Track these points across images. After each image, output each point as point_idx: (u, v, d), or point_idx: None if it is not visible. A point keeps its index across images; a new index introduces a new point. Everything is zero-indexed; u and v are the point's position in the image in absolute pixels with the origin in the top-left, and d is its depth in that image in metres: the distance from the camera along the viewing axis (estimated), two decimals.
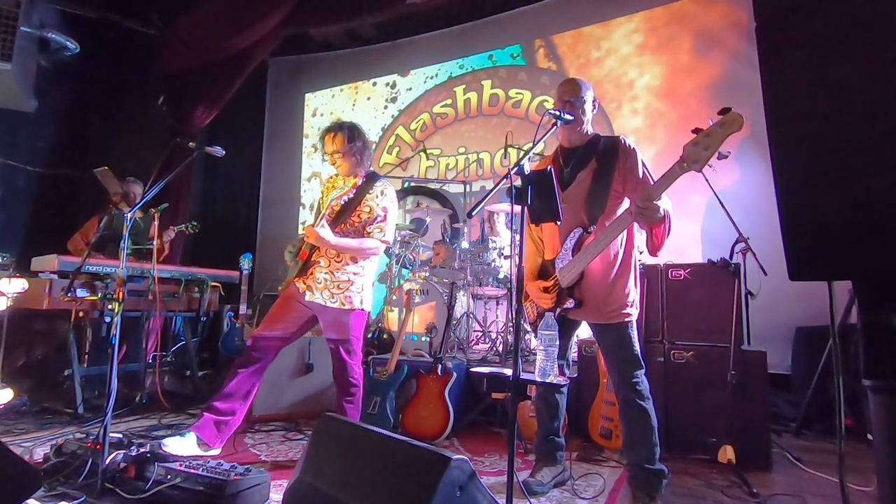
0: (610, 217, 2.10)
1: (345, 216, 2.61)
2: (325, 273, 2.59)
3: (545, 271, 2.25)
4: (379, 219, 2.62)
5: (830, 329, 1.21)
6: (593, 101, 2.23)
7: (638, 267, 2.22)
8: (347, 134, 2.61)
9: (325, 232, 2.45)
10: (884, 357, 0.80)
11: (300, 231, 6.82)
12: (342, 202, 2.65)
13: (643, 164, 2.12)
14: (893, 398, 0.80)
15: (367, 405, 3.11)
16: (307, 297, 2.56)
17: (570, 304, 2.13)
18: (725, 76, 4.58)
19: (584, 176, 2.15)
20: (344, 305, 2.57)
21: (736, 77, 4.50)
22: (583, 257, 2.07)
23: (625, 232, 2.12)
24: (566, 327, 2.23)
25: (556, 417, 2.36)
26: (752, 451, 2.56)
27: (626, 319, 2.13)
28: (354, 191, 2.66)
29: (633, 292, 2.15)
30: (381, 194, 2.64)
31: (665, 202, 1.90)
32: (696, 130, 1.75)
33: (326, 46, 6.87)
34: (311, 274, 2.60)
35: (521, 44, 5.76)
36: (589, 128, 2.23)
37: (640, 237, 2.31)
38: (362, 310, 2.64)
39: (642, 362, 2.14)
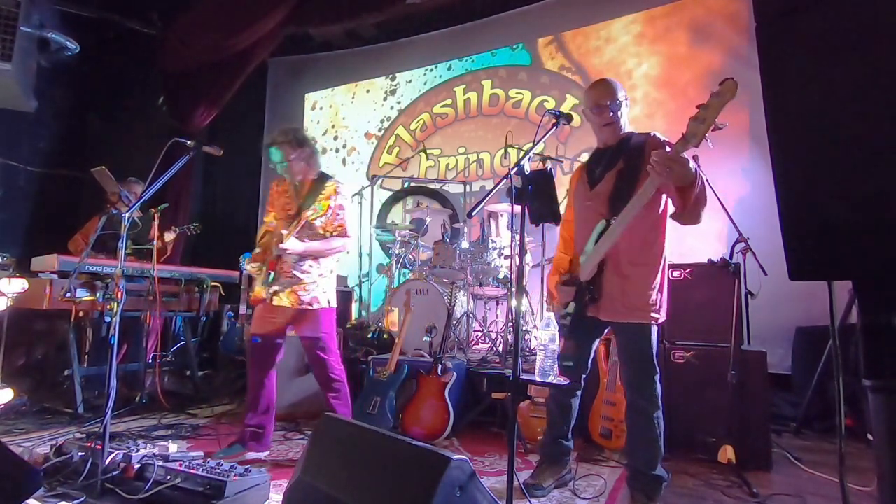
0: None
1: (300, 217, 2.63)
2: (290, 278, 2.63)
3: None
4: (338, 218, 2.68)
5: (830, 329, 1.21)
6: (626, 99, 2.19)
7: (667, 271, 2.15)
8: (293, 141, 2.65)
9: (293, 243, 2.52)
10: (884, 357, 0.79)
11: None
12: (297, 210, 2.67)
13: None
14: (893, 398, 0.80)
15: (367, 405, 3.11)
16: (275, 302, 2.62)
17: (587, 298, 2.09)
18: (723, 68, 4.58)
19: (611, 174, 2.13)
20: (312, 306, 2.64)
21: (733, 71, 4.50)
22: (600, 247, 2.05)
23: (654, 229, 2.07)
24: (588, 330, 2.19)
25: (567, 421, 2.33)
26: (752, 451, 2.55)
27: (643, 321, 2.06)
28: (308, 197, 2.68)
29: (656, 294, 2.08)
30: (335, 192, 2.69)
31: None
32: (699, 106, 1.74)
33: (326, 46, 6.86)
34: (278, 280, 2.65)
35: (521, 43, 5.77)
36: (625, 127, 2.20)
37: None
38: (330, 307, 2.71)
39: (657, 367, 2.09)
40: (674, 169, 1.78)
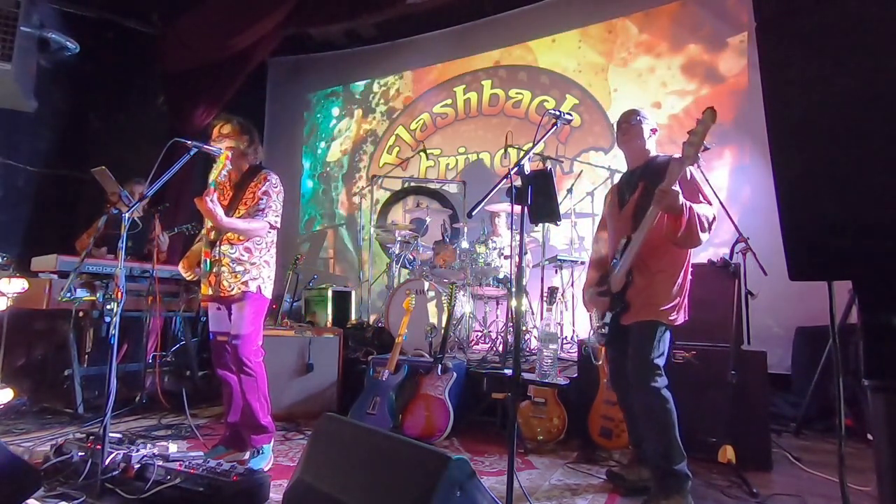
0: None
1: (232, 209, 2.64)
2: (224, 265, 2.59)
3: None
4: (260, 204, 2.64)
5: (830, 329, 1.21)
6: (651, 130, 2.33)
7: (689, 274, 2.24)
8: (238, 126, 2.72)
9: (218, 208, 2.46)
10: (884, 357, 0.79)
11: (303, 231, 6.83)
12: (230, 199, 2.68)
13: (692, 174, 2.15)
14: (893, 398, 0.80)
15: (367, 405, 3.11)
16: (210, 292, 2.61)
17: (619, 308, 2.21)
18: (725, 70, 4.59)
19: (634, 198, 2.26)
20: (241, 289, 2.58)
21: (734, 73, 4.50)
22: (625, 260, 2.16)
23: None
24: (624, 338, 2.22)
25: (633, 425, 2.37)
26: (752, 451, 2.56)
27: (650, 318, 2.12)
28: (238, 187, 2.70)
29: (671, 294, 2.15)
30: (263, 181, 2.68)
31: (706, 209, 2.05)
32: (690, 132, 1.94)
33: (326, 46, 6.87)
34: (213, 268, 2.60)
35: (520, 43, 5.77)
36: (650, 150, 2.33)
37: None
38: (259, 294, 2.62)
39: (654, 364, 2.11)
40: (663, 200, 1.96)
